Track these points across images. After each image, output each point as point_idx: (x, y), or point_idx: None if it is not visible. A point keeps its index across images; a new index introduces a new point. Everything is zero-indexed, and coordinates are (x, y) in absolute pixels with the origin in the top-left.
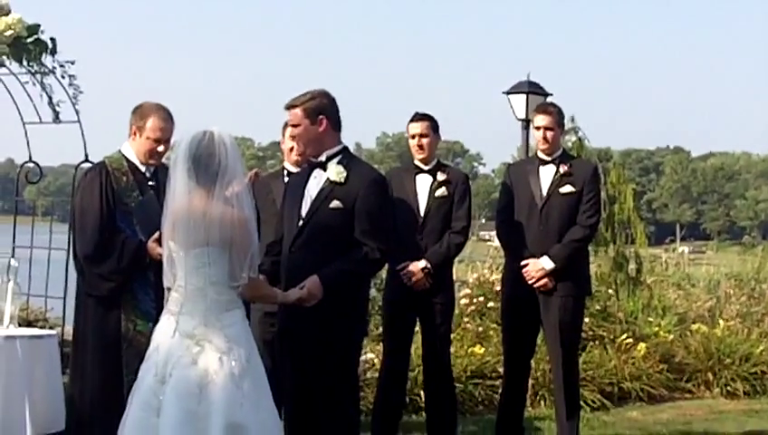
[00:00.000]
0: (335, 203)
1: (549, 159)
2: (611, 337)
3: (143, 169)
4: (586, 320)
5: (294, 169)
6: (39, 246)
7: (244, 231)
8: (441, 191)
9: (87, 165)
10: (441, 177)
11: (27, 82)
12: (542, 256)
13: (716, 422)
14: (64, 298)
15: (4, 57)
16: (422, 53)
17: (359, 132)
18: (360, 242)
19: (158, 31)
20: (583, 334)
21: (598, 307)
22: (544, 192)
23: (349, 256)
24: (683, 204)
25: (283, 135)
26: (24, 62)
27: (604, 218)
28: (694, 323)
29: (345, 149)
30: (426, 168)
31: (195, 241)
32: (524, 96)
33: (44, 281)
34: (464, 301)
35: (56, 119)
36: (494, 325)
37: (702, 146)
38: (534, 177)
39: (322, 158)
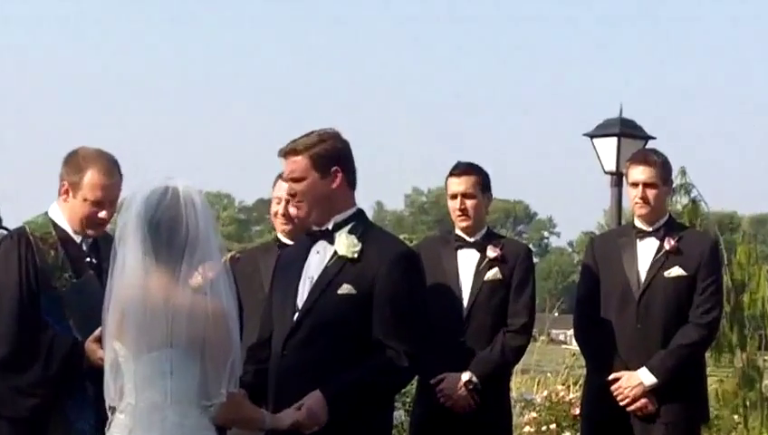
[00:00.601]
0: (345, 288)
1: (650, 228)
2: None
3: (78, 239)
4: None
5: (289, 242)
6: None
7: (222, 328)
8: (493, 273)
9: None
10: (493, 252)
11: None
12: (639, 366)
13: None
14: None
15: None
16: (466, 79)
17: (380, 188)
18: (381, 343)
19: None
20: None
21: None
22: (643, 276)
23: (364, 364)
24: None
25: (275, 191)
26: None
27: (727, 314)
28: None
29: (360, 212)
30: (471, 239)
31: (152, 341)
32: (615, 140)
33: None
34: (527, 429)
35: None
36: None
37: None
38: (629, 254)
39: (329, 225)
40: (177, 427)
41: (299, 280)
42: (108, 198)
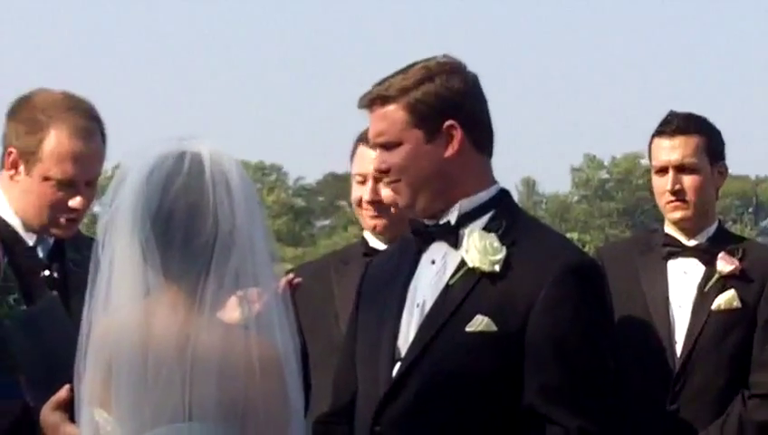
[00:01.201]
0: (480, 322)
1: (690, 241)
2: None
3: (31, 241)
4: None
5: (381, 246)
6: None
7: (275, 386)
8: (727, 299)
9: None
10: (727, 264)
11: None
12: None
13: None
14: None
15: None
16: None
17: (527, 156)
18: (538, 415)
19: None
20: None
21: None
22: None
23: None
24: None
25: (355, 165)
26: None
27: None
28: None
29: (502, 196)
30: (691, 242)
31: (159, 411)
32: None
33: None
34: None
35: None
36: None
37: None
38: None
39: (451, 217)
40: None
41: (401, 309)
42: (84, 174)
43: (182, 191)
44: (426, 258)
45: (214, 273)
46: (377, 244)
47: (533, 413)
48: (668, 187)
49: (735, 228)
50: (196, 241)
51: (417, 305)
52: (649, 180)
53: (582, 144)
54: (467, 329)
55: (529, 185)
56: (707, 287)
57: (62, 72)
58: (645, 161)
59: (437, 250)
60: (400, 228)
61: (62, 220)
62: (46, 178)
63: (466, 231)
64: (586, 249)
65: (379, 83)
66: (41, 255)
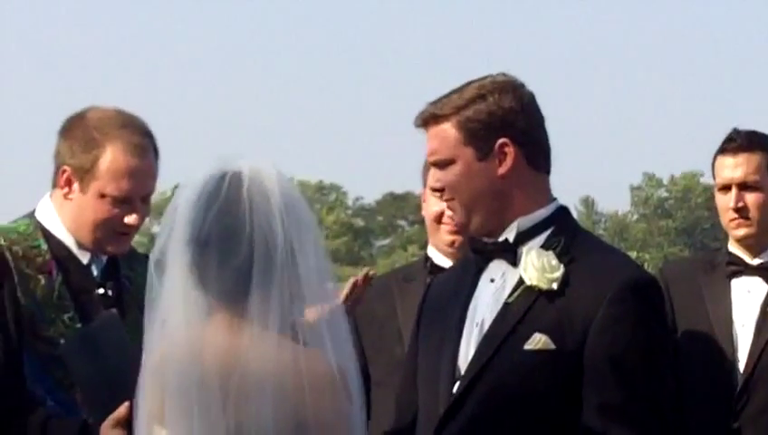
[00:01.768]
0: (538, 340)
1: (755, 260)
2: None
3: (85, 259)
4: None
5: (445, 263)
6: None
7: (332, 403)
8: None
9: None
10: None
11: None
12: None
13: None
14: None
15: None
16: None
17: (586, 174)
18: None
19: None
20: None
21: None
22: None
23: None
24: None
25: (425, 183)
26: None
27: None
28: None
29: (561, 213)
30: (755, 261)
31: (212, 429)
32: None
33: None
34: None
35: None
36: None
37: None
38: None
39: (509, 235)
40: None
41: (461, 328)
42: (139, 190)
43: (219, 214)
44: (485, 277)
45: (256, 293)
46: (441, 261)
47: (592, 432)
48: (731, 204)
49: None
50: (233, 262)
51: (477, 324)
52: (708, 199)
53: (641, 163)
54: (526, 347)
55: (588, 204)
56: None
57: (119, 90)
58: (704, 180)
59: (497, 268)
60: (462, 248)
61: (118, 239)
62: (102, 196)
63: (524, 249)
64: (644, 268)
65: (434, 102)
66: (95, 273)
